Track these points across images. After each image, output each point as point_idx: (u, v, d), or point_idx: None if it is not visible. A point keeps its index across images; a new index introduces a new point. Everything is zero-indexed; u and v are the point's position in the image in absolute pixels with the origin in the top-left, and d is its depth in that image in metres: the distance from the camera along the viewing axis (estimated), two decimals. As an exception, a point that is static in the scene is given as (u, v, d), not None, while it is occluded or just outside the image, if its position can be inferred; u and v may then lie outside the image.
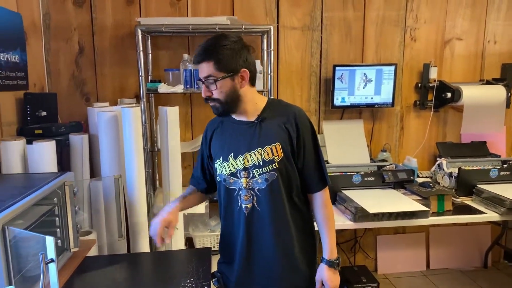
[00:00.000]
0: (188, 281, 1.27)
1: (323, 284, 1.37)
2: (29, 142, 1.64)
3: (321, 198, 1.36)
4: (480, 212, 2.12)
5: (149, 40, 2.41)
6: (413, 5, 2.67)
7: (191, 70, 2.23)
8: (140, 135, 1.82)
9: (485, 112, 2.64)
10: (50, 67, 2.41)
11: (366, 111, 2.75)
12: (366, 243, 2.91)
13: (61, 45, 2.41)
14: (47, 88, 2.40)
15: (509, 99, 2.70)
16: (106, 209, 1.80)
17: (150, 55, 2.42)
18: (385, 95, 2.61)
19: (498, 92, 2.64)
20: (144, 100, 2.23)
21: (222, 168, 1.35)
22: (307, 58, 2.64)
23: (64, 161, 1.94)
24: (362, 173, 2.32)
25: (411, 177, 2.35)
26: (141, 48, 2.18)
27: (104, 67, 2.46)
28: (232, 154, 1.32)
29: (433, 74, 2.70)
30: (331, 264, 1.35)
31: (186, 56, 2.31)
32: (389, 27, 2.68)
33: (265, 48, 2.34)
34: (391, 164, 2.52)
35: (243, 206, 1.33)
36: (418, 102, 2.78)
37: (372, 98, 2.61)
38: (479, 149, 2.73)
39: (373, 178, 2.33)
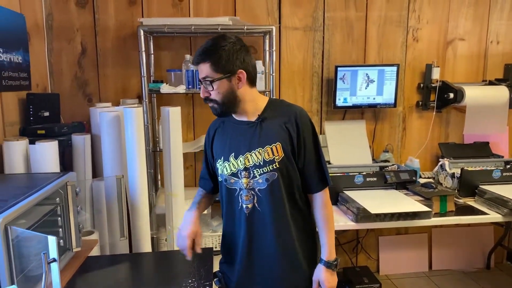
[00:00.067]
0: (190, 281, 1.27)
1: (320, 285, 1.37)
2: (31, 142, 1.64)
3: (321, 199, 1.36)
4: (483, 213, 2.12)
5: (151, 41, 2.41)
6: (415, 5, 2.67)
7: (193, 70, 2.23)
8: (142, 135, 1.83)
9: (488, 113, 2.63)
10: (52, 68, 2.42)
11: (368, 112, 2.74)
12: (368, 243, 2.90)
13: (63, 45, 2.42)
14: (49, 88, 2.41)
15: (512, 99, 2.69)
16: (108, 209, 1.81)
17: (152, 55, 2.42)
18: (387, 96, 2.61)
19: (501, 92, 2.63)
20: (146, 100, 2.23)
21: (223, 168, 1.35)
22: (309, 58, 2.63)
23: (67, 161, 1.95)
24: (364, 173, 2.32)
25: (413, 178, 2.34)
26: (143, 49, 2.18)
27: (106, 68, 2.47)
28: (233, 154, 1.33)
29: (436, 74, 2.69)
30: (329, 265, 1.34)
31: (188, 56, 2.31)
32: (391, 28, 2.67)
33: (267, 48, 2.35)
34: (393, 165, 2.52)
35: (244, 206, 1.33)
36: (420, 103, 2.77)
37: (374, 99, 2.61)
38: (481, 149, 2.72)
39: (375, 179, 2.32)
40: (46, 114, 2.09)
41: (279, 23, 2.56)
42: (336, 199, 2.22)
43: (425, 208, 2.01)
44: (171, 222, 1.93)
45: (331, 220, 1.37)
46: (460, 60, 2.78)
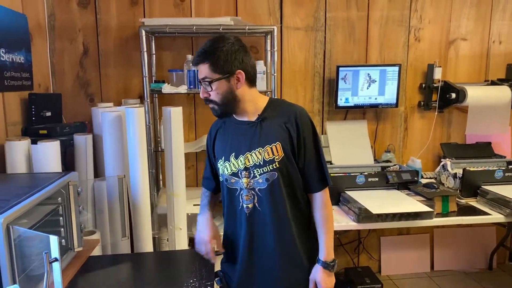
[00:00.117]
0: (191, 281, 1.27)
1: (316, 285, 1.36)
2: (33, 142, 1.65)
3: (321, 199, 1.35)
4: (485, 213, 2.11)
5: (153, 41, 2.41)
6: (417, 5, 2.66)
7: (194, 70, 2.23)
8: (144, 135, 1.83)
9: (490, 113, 2.62)
10: (54, 68, 2.42)
11: (370, 112, 2.74)
12: (370, 244, 2.89)
13: (65, 45, 2.42)
14: (51, 88, 2.41)
15: (514, 99, 2.68)
16: (110, 209, 1.81)
17: (154, 55, 2.43)
18: (389, 96, 2.61)
19: (503, 92, 2.62)
20: (148, 100, 2.24)
21: (224, 168, 1.36)
22: (311, 58, 2.63)
23: (68, 161, 1.95)
24: (365, 173, 2.32)
25: (415, 178, 2.34)
26: (145, 49, 2.19)
27: (108, 68, 2.47)
28: (233, 154, 1.33)
29: (438, 74, 2.69)
30: (326, 265, 1.33)
31: (189, 56, 2.31)
32: (393, 27, 2.67)
33: (269, 48, 2.35)
34: (395, 165, 2.51)
35: (245, 206, 1.34)
36: (422, 103, 2.77)
37: (376, 99, 2.61)
38: (484, 150, 2.72)
39: (377, 179, 2.32)
40: (48, 114, 2.10)
41: (281, 23, 2.56)
42: (338, 199, 2.22)
43: (427, 209, 2.01)
44: (172, 222, 1.93)
45: (330, 221, 1.36)
46: (462, 60, 2.77)
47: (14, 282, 1.05)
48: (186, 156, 2.16)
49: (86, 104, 2.47)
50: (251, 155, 1.30)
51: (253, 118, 1.33)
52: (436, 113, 2.77)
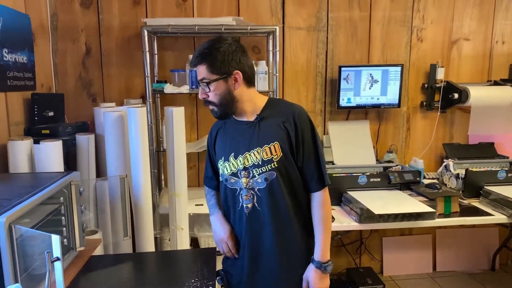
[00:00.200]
0: (193, 281, 1.27)
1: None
2: (36, 142, 1.65)
3: (318, 198, 1.35)
4: (488, 214, 2.10)
5: (155, 41, 2.42)
6: (419, 5, 2.66)
7: (196, 71, 2.23)
8: (146, 135, 1.83)
9: (493, 113, 2.61)
10: (57, 68, 2.43)
11: (372, 112, 2.73)
12: (371, 244, 2.89)
13: (68, 46, 2.43)
14: (54, 88, 2.42)
15: (518, 100, 2.67)
16: (111, 208, 1.81)
17: (156, 55, 2.43)
18: (391, 96, 2.60)
19: (506, 92, 2.61)
20: (150, 100, 2.24)
21: (224, 168, 1.36)
22: (313, 58, 2.63)
23: (71, 161, 1.96)
24: (368, 174, 2.31)
25: (418, 178, 2.33)
26: (147, 49, 2.19)
27: (110, 68, 2.48)
28: (232, 154, 1.34)
29: (440, 74, 2.68)
30: (319, 266, 1.32)
31: (191, 57, 2.31)
32: (395, 28, 2.66)
33: (271, 48, 2.34)
34: (397, 165, 2.50)
35: (244, 206, 1.34)
36: (424, 103, 2.76)
37: (378, 99, 2.60)
38: (486, 150, 2.71)
39: (379, 179, 2.31)
40: (51, 114, 2.10)
41: (283, 23, 2.56)
42: (340, 199, 2.22)
43: (429, 209, 2.00)
44: (174, 222, 1.93)
45: (327, 221, 1.35)
46: (465, 60, 2.76)
47: (16, 281, 1.05)
48: (188, 156, 2.16)
49: (88, 104, 2.48)
50: (250, 155, 1.31)
51: (252, 118, 1.34)
52: (438, 113, 2.76)
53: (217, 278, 1.46)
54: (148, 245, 1.88)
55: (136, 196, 1.83)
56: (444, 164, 2.54)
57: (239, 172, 1.33)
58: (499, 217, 2.08)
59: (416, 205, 2.07)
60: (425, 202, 2.09)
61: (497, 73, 2.78)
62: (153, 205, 2.07)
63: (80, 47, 2.44)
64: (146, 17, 2.42)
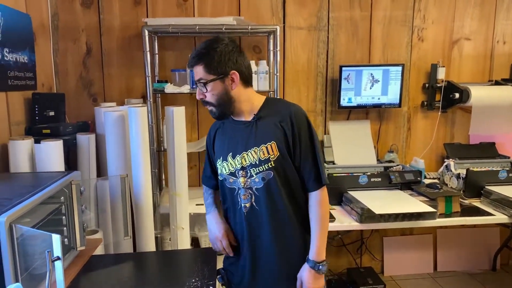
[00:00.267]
0: (193, 280, 1.27)
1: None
2: (37, 141, 1.65)
3: (316, 198, 1.34)
4: (489, 214, 2.10)
5: (156, 41, 2.42)
6: (420, 5, 2.65)
7: (197, 70, 2.23)
8: (147, 135, 1.83)
9: (494, 113, 2.61)
10: (58, 68, 2.43)
11: (373, 112, 2.73)
12: (372, 244, 2.89)
13: (69, 45, 2.43)
14: (55, 88, 2.42)
15: (519, 99, 2.67)
16: (112, 208, 1.81)
17: (157, 55, 2.43)
18: (392, 96, 2.60)
19: (507, 92, 2.61)
20: (151, 100, 2.24)
21: (222, 168, 1.37)
22: (314, 58, 2.63)
23: (71, 161, 1.96)
24: (368, 174, 2.31)
25: (418, 178, 2.33)
26: (148, 49, 2.19)
27: (111, 68, 2.48)
28: (230, 153, 1.34)
29: (441, 74, 2.68)
30: (313, 265, 1.31)
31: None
32: (396, 27, 2.66)
33: (271, 48, 2.34)
34: (398, 165, 2.50)
35: (242, 205, 1.35)
36: (425, 103, 2.76)
37: (379, 99, 2.60)
38: (487, 150, 2.70)
39: (379, 179, 2.31)
40: (52, 113, 2.11)
41: (284, 22, 2.56)
42: (340, 199, 2.22)
43: (430, 209, 2.00)
44: (175, 221, 1.93)
45: (324, 220, 1.34)
46: (466, 60, 2.76)
47: (17, 281, 1.05)
48: (189, 155, 2.16)
49: (89, 103, 2.48)
50: (247, 154, 1.31)
51: (250, 118, 1.34)
52: (439, 113, 2.76)
53: (218, 276, 1.46)
54: (149, 245, 1.88)
55: (136, 196, 1.84)
56: (445, 164, 2.54)
57: (237, 171, 1.33)
58: (500, 217, 2.08)
59: (417, 205, 2.07)
60: (426, 202, 2.09)
61: (498, 73, 2.78)
62: (153, 204, 2.07)
63: (81, 47, 2.44)
64: (147, 17, 2.42)
